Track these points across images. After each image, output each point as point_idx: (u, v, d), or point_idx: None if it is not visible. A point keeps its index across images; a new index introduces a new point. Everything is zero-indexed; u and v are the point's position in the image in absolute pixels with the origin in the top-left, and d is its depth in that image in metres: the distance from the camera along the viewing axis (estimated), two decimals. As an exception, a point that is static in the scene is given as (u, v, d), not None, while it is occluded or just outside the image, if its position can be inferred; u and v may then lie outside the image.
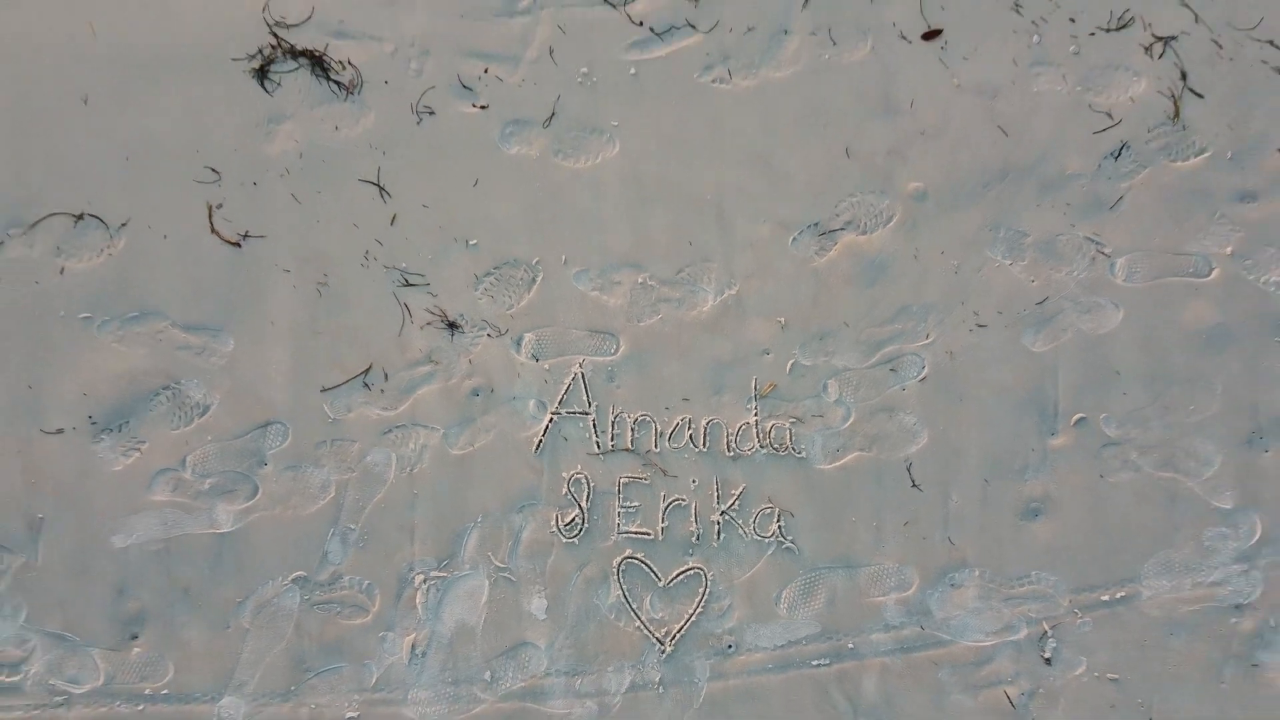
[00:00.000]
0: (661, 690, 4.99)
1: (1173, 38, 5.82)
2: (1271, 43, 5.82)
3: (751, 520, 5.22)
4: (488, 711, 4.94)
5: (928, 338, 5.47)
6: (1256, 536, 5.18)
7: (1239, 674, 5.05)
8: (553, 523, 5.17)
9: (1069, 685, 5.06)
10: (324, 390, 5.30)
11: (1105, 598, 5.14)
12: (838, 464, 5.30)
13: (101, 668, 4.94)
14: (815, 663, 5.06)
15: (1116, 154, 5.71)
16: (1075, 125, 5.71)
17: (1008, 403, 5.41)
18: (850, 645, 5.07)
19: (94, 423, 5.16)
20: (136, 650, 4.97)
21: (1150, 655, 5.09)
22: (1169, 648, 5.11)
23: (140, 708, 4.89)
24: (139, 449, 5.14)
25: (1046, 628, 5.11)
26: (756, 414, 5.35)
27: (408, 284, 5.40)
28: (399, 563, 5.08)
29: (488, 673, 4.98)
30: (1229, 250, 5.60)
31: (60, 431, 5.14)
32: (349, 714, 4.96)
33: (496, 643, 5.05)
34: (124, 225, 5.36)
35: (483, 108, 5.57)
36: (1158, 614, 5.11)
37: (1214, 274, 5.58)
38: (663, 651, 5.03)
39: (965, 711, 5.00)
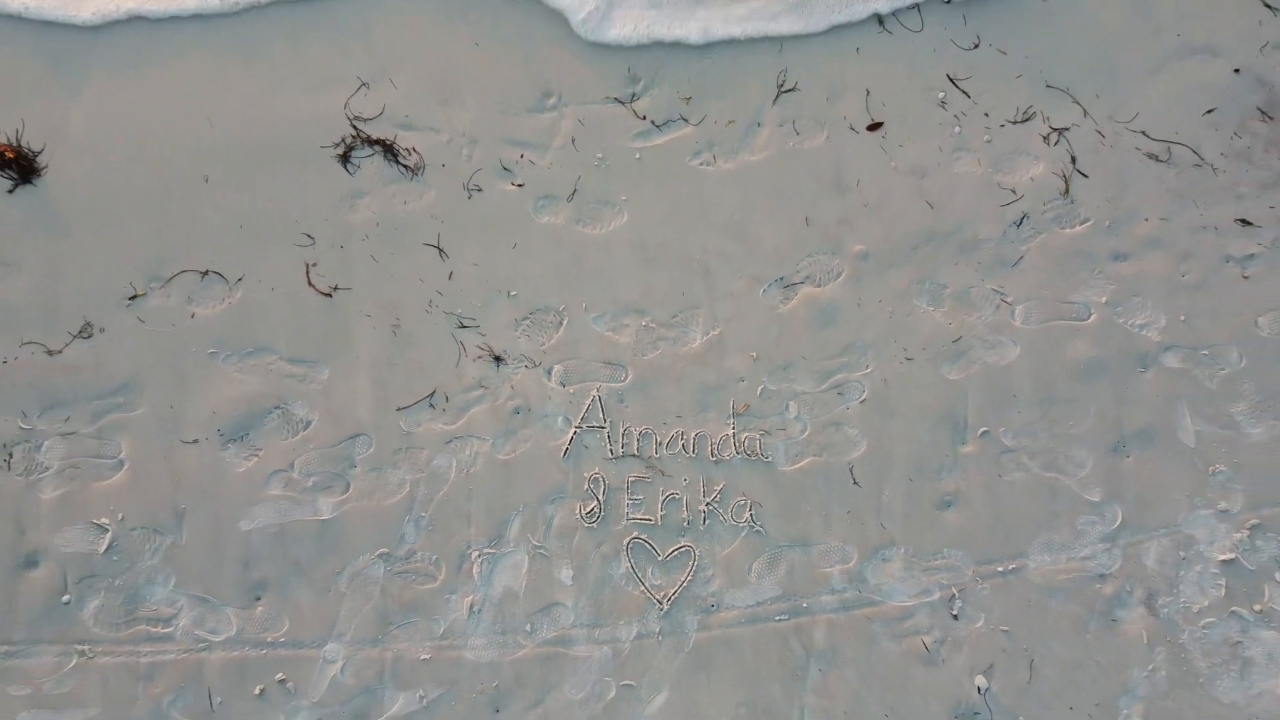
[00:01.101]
0: (660, 639, 5.62)
1: (1065, 129, 6.53)
2: (1144, 133, 6.55)
3: (729, 510, 5.88)
4: (528, 654, 5.56)
5: (867, 368, 6.15)
6: (1118, 522, 5.85)
7: (1100, 627, 5.69)
8: (577, 512, 5.82)
9: (971, 635, 5.67)
10: (399, 409, 5.98)
11: (1000, 569, 5.79)
12: (796, 466, 5.98)
13: (234, 621, 5.59)
14: (778, 618, 5.68)
15: (1018, 223, 6.39)
16: (986, 200, 6.40)
17: (928, 419, 6.07)
18: (804, 604, 5.71)
19: (221, 435, 5.87)
20: (260, 608, 5.61)
21: (1033, 613, 5.72)
22: (1048, 607, 5.73)
23: (263, 652, 5.55)
24: (257, 455, 5.84)
25: (955, 592, 5.74)
26: (734, 428, 6.01)
27: (463, 326, 6.11)
28: (459, 542, 5.75)
29: (528, 625, 5.61)
30: (1104, 299, 6.29)
31: (196, 441, 5.84)
32: (423, 656, 5.57)
33: (534, 603, 5.68)
34: (240, 280, 6.09)
35: (519, 185, 6.29)
36: (1040, 581, 5.77)
37: (1092, 318, 6.27)
38: (661, 609, 5.64)
39: (891, 655, 5.62)
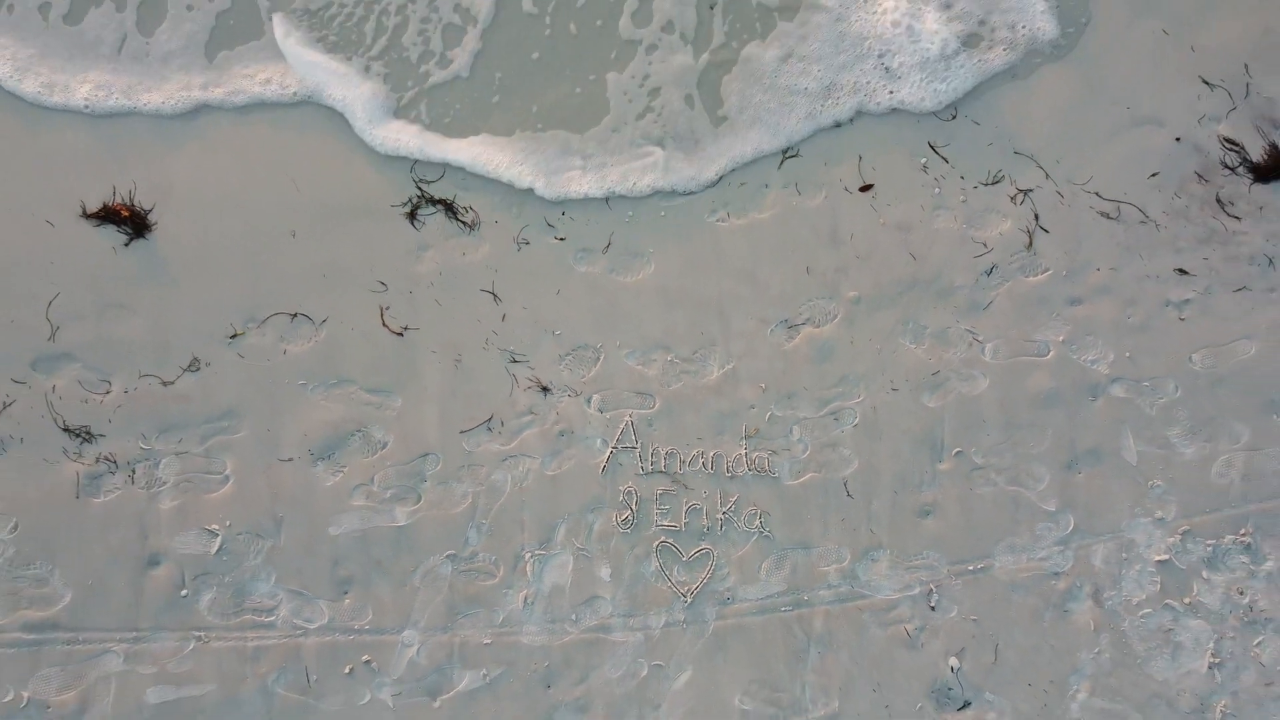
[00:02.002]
0: (685, 626, 6.07)
1: (1030, 190, 7.09)
2: (1097, 194, 7.13)
3: (742, 518, 6.36)
4: (574, 639, 6.02)
5: (859, 397, 6.70)
6: (1070, 528, 6.36)
7: (1055, 617, 6.15)
8: (613, 520, 6.32)
9: (945, 624, 6.13)
10: (461, 432, 6.55)
11: (970, 568, 6.28)
12: (798, 481, 6.49)
13: (325, 612, 6.10)
14: (783, 609, 6.11)
15: (988, 272, 6.95)
16: (961, 251, 6.97)
17: (910, 440, 6.60)
18: (805, 597, 6.15)
19: (311, 454, 6.46)
20: (347, 601, 6.12)
21: (998, 604, 6.19)
22: (1010, 600, 6.21)
23: (351, 637, 6.04)
24: (342, 471, 6.40)
25: (932, 587, 6.20)
26: (745, 448, 6.52)
27: (514, 361, 6.67)
28: (514, 545, 6.26)
29: (573, 615, 6.07)
30: (1061, 338, 6.87)
31: (290, 460, 6.41)
32: (485, 640, 6.04)
33: (578, 596, 6.16)
34: (324, 321, 6.69)
35: (561, 239, 6.86)
36: (1004, 578, 6.27)
37: (1051, 354, 6.84)
38: (685, 602, 6.06)
39: (879, 640, 6.05)
